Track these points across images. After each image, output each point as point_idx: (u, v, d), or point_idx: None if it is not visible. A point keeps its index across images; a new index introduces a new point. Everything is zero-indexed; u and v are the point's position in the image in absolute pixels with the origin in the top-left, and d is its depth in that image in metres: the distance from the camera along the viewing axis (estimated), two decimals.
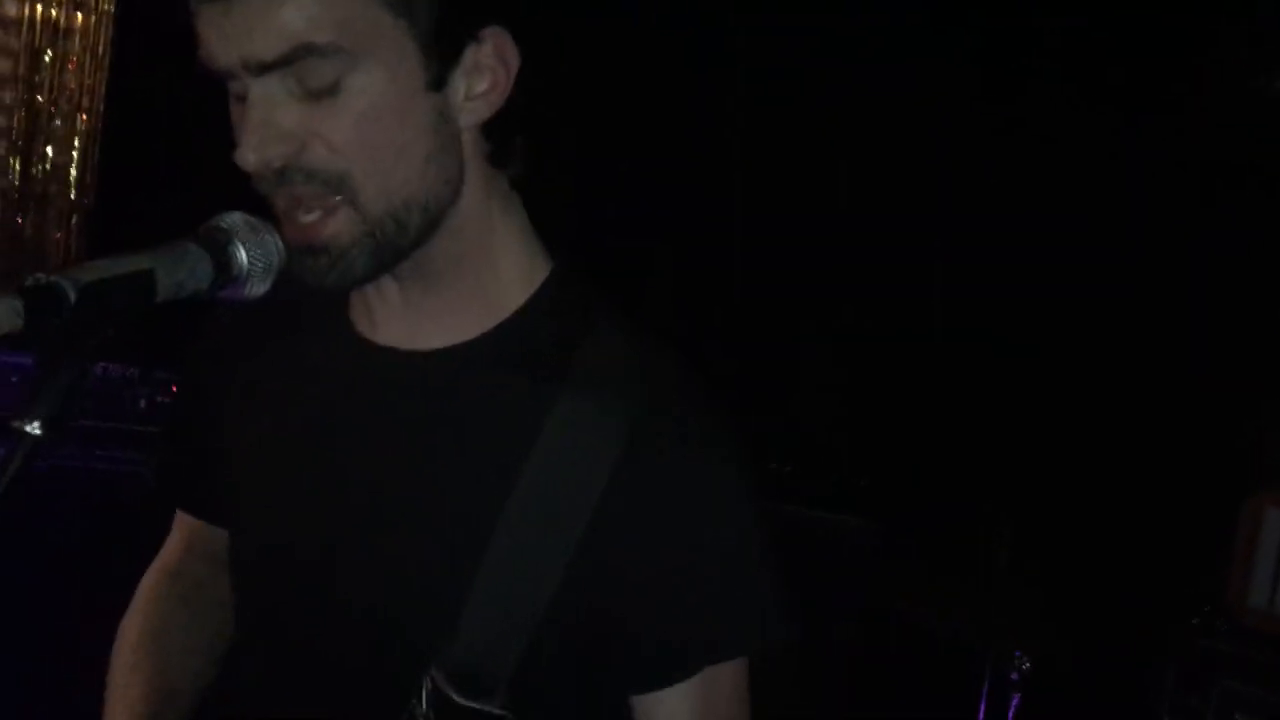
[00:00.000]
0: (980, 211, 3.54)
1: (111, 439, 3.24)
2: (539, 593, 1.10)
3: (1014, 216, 3.49)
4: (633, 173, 3.62)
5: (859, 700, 3.21)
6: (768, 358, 3.71)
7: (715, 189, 3.79)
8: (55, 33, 3.86)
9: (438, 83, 1.09)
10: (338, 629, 1.19)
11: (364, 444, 1.19)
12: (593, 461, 1.11)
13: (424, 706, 1.10)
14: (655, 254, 3.66)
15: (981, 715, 3.01)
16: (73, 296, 0.82)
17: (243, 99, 1.07)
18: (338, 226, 1.07)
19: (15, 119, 3.87)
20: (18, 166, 3.88)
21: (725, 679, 1.18)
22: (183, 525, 1.47)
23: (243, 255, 0.99)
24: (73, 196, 3.94)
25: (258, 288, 1.02)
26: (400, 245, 1.11)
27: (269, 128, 1.05)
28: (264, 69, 1.04)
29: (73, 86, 3.89)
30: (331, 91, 1.05)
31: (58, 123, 3.90)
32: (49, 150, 3.91)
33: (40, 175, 3.91)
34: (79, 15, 3.88)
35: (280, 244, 1.03)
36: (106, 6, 3.88)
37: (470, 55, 1.10)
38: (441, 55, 1.09)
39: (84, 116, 3.92)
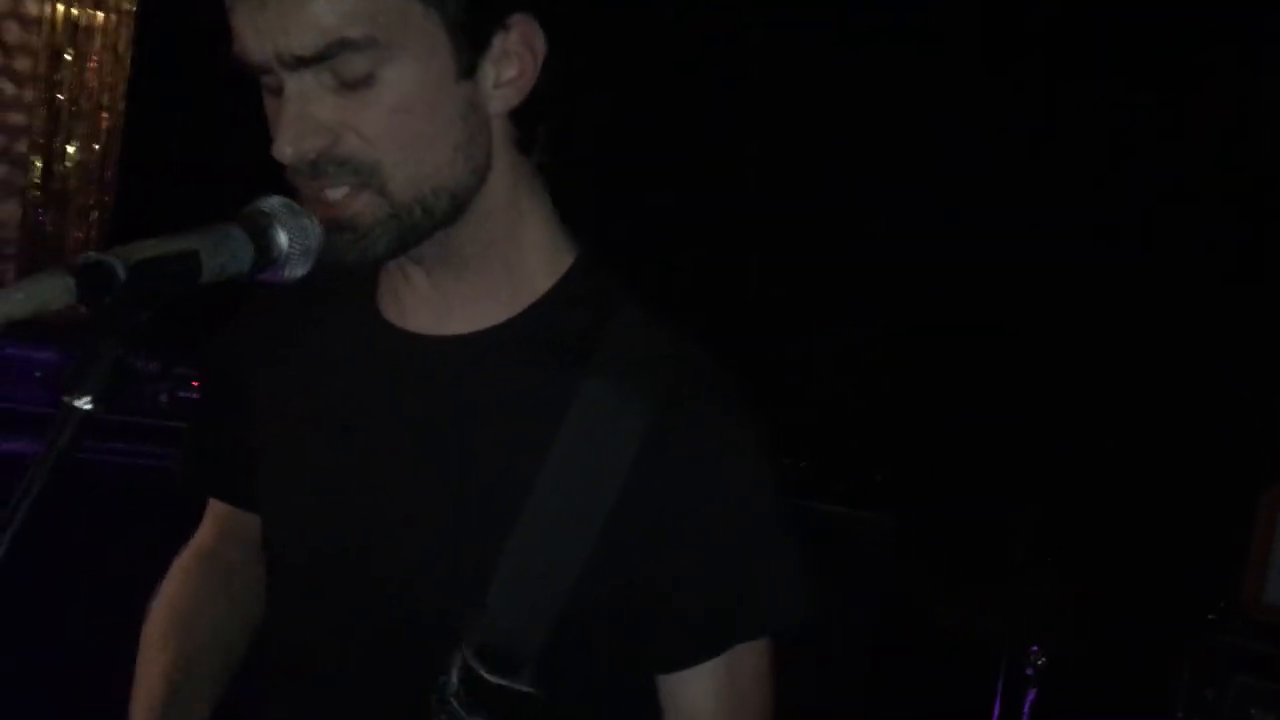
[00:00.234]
0: (1000, 205, 3.55)
1: (133, 434, 3.25)
2: (566, 572, 1.12)
3: (1033, 210, 3.50)
4: (651, 163, 3.63)
5: (875, 693, 3.22)
6: (784, 352, 3.72)
7: (732, 181, 3.80)
8: (75, 31, 3.89)
9: (468, 71, 1.11)
10: (370, 610, 1.20)
11: (393, 428, 1.21)
12: (619, 444, 1.13)
13: (454, 683, 1.12)
14: (672, 247, 3.67)
15: (997, 710, 3.02)
16: (122, 274, 0.84)
17: (277, 93, 1.09)
18: (361, 206, 1.09)
19: (36, 117, 3.90)
20: (39, 164, 3.91)
21: (750, 659, 1.19)
22: (216, 509, 1.49)
23: (283, 238, 1.01)
24: (93, 195, 3.97)
25: (297, 270, 1.04)
26: (424, 227, 1.12)
27: (305, 121, 1.07)
28: (300, 64, 1.05)
29: (93, 85, 3.93)
30: (366, 83, 1.06)
31: (78, 121, 3.94)
32: (69, 149, 3.94)
33: (61, 173, 3.94)
34: (99, 14, 3.91)
35: (318, 227, 1.05)
36: (127, 5, 3.92)
37: (498, 43, 1.12)
38: (471, 44, 1.10)
39: (104, 115, 3.95)
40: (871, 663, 3.21)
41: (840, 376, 3.82)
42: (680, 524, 1.14)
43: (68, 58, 3.89)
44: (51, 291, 0.82)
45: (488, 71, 1.12)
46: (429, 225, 1.13)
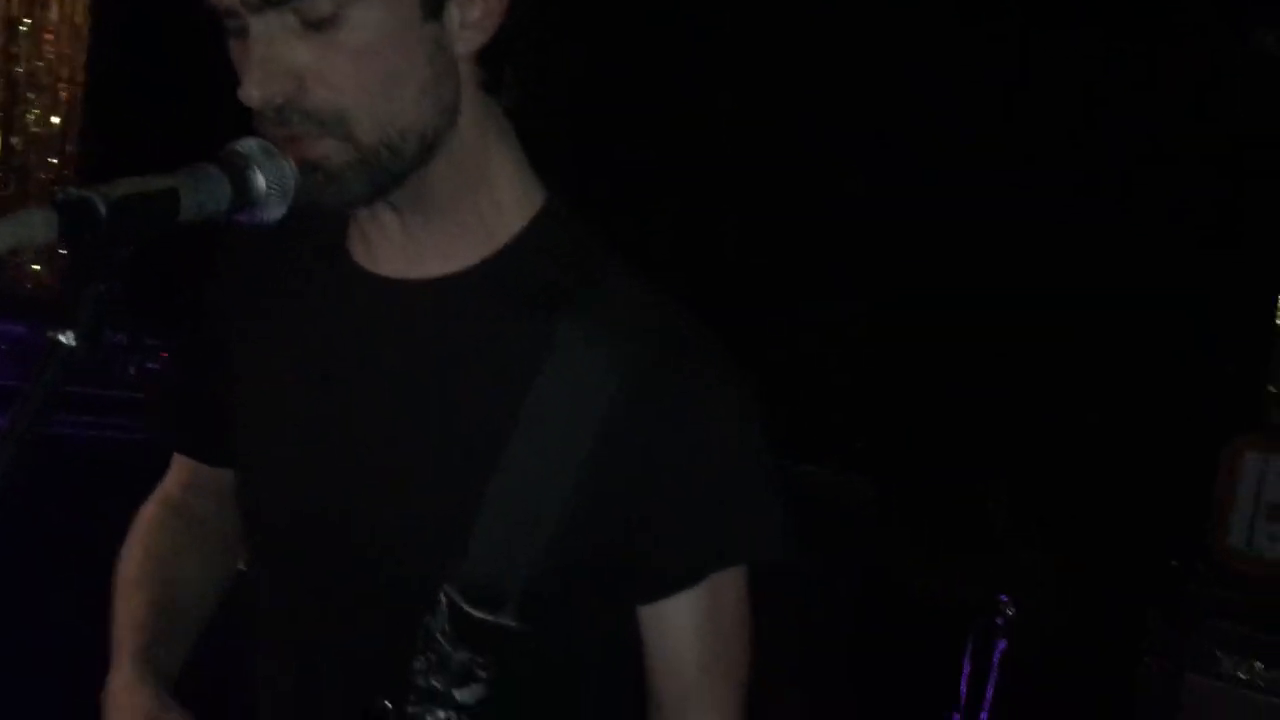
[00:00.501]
0: (976, 161, 3.57)
1: (101, 406, 3.24)
2: (548, 507, 1.13)
3: (1008, 169, 3.52)
4: (626, 121, 3.62)
5: (853, 645, 3.26)
6: (763, 319, 3.73)
7: (709, 146, 3.79)
8: (32, 3, 3.84)
9: (434, 12, 1.11)
10: (353, 561, 1.21)
11: (369, 372, 1.21)
12: (599, 380, 1.14)
13: (440, 620, 1.13)
14: (652, 211, 3.66)
15: (968, 659, 3.07)
16: (103, 210, 0.85)
17: (241, 36, 1.09)
18: (327, 149, 1.09)
19: None
20: None
21: (729, 590, 1.21)
22: (182, 466, 1.47)
23: (260, 179, 1.01)
24: (53, 168, 3.93)
25: (274, 211, 1.04)
26: (395, 170, 1.13)
27: (271, 63, 1.07)
28: (265, 5, 1.05)
29: (51, 57, 3.88)
30: (332, 24, 1.06)
31: (37, 93, 3.89)
32: (29, 121, 3.89)
33: (20, 148, 3.90)
34: None
35: (294, 169, 1.05)
36: None
37: None
38: None
39: (63, 87, 3.90)
40: (850, 618, 3.25)
41: (821, 346, 3.84)
42: (661, 455, 1.15)
43: (24, 29, 3.85)
44: (35, 225, 0.82)
45: (453, 12, 1.12)
46: (400, 168, 1.13)
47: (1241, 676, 2.78)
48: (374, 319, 1.22)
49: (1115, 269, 3.39)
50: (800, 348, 3.81)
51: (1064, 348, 3.46)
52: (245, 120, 1.10)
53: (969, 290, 3.60)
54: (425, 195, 1.17)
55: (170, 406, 1.49)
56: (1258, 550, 2.91)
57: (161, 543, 1.43)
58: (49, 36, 3.86)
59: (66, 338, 0.84)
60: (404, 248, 1.21)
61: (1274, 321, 3.21)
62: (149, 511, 1.46)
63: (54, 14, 3.86)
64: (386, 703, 1.15)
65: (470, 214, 1.20)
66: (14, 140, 3.88)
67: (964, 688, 3.06)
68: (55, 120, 3.91)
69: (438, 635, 1.13)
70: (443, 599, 1.13)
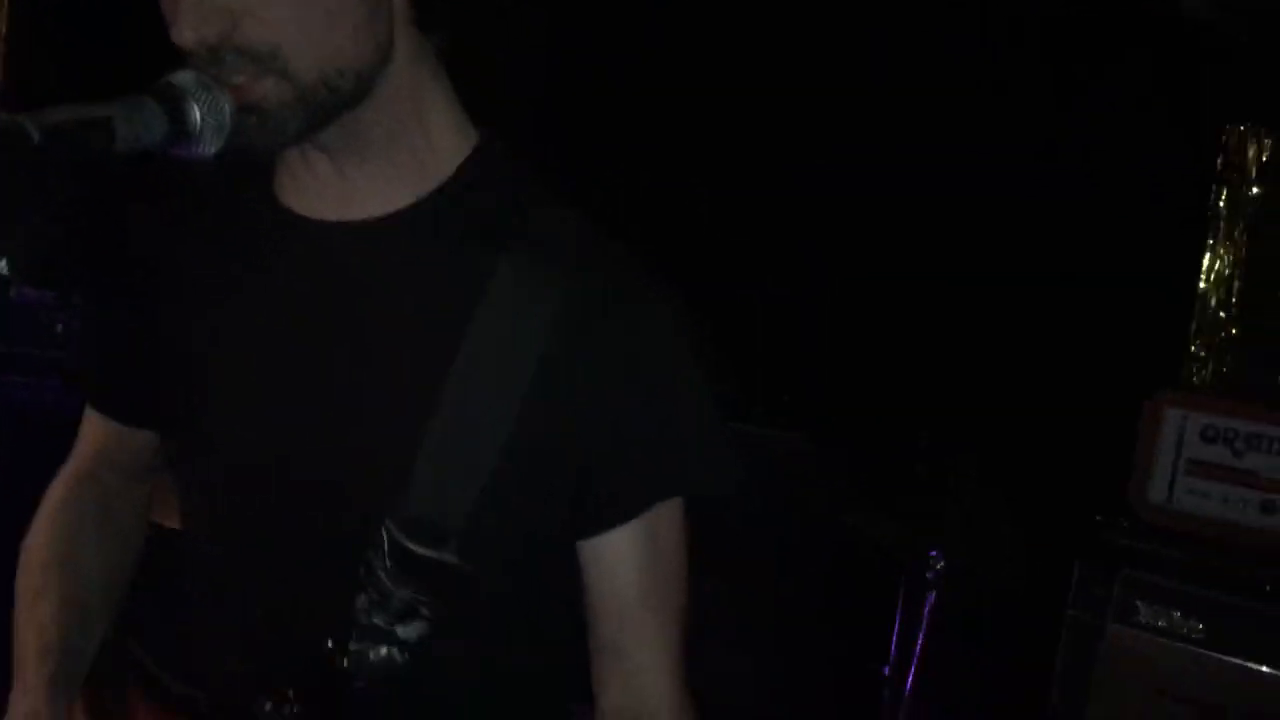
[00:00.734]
0: (893, 146, 3.59)
1: (27, 365, 3.19)
2: (489, 442, 1.13)
3: (927, 149, 3.54)
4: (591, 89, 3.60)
5: (785, 598, 3.30)
6: (692, 275, 3.74)
7: (655, 99, 3.77)
8: None
9: None
10: (295, 496, 1.20)
11: (305, 317, 1.20)
12: (536, 316, 1.14)
13: (382, 558, 1.14)
14: (598, 169, 3.65)
15: (899, 611, 3.12)
16: (36, 136, 0.83)
17: None
18: (265, 90, 1.07)
19: None
20: None
21: (668, 523, 1.23)
22: (94, 432, 1.43)
23: (196, 112, 1.00)
24: None
25: (210, 146, 1.02)
26: (331, 108, 1.11)
27: (204, 3, 1.05)
28: None
29: None
30: None
31: None
32: None
33: None
34: None
35: (230, 103, 1.04)
36: None
37: None
38: None
39: None
40: (784, 571, 3.29)
41: (747, 299, 3.86)
42: (600, 389, 1.16)
43: None
44: None
45: None
46: (336, 105, 1.12)
47: (1161, 625, 2.86)
48: (308, 263, 1.21)
49: (1039, 229, 3.44)
50: (725, 305, 3.83)
51: (991, 305, 3.51)
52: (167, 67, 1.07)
53: (894, 249, 3.64)
54: (359, 136, 1.16)
55: (84, 360, 1.43)
56: (1178, 504, 2.98)
57: (68, 531, 1.39)
58: None
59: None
60: (337, 190, 1.20)
61: (1195, 281, 3.28)
62: (57, 493, 1.42)
63: None
64: (329, 642, 1.15)
65: (404, 153, 1.19)
66: None
67: (893, 643, 3.12)
68: None
69: (380, 572, 1.13)
70: (384, 536, 1.13)
